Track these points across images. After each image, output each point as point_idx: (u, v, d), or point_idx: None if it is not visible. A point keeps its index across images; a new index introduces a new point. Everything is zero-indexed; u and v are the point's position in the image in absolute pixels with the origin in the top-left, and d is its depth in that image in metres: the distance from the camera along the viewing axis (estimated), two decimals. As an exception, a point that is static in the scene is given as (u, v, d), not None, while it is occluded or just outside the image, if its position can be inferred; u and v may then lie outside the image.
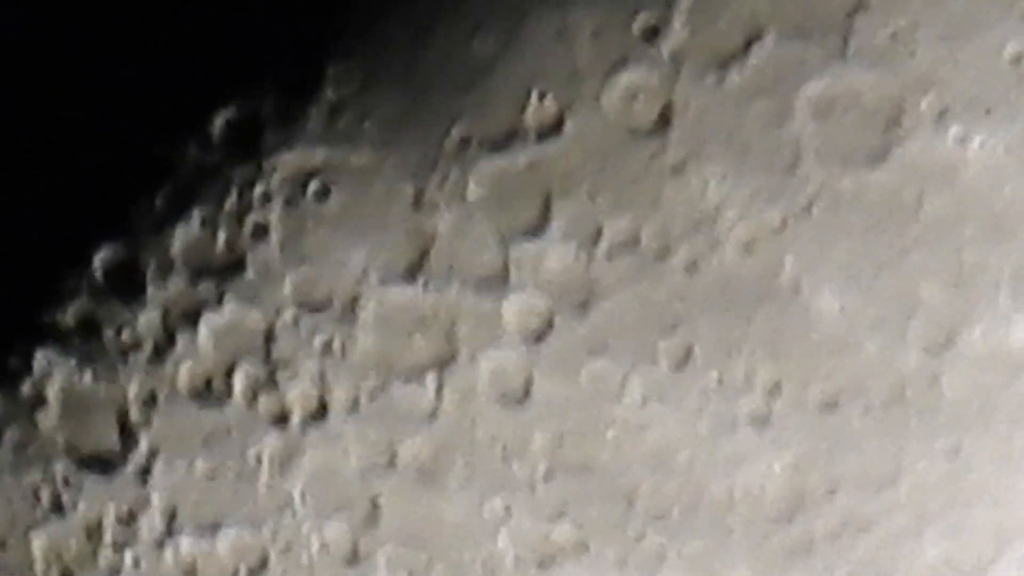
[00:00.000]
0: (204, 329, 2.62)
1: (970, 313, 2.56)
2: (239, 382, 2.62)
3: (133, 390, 2.63)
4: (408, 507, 2.64)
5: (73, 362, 2.63)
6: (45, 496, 2.71)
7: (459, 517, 2.64)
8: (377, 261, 2.60)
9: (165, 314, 2.61)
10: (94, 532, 2.69)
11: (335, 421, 2.63)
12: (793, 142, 2.56)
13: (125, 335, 2.61)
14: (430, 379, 2.60)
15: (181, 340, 2.61)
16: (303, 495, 2.65)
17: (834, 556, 2.60)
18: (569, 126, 2.56)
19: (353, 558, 2.67)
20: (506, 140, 2.56)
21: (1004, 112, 2.54)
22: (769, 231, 2.56)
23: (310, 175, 2.59)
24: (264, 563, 2.69)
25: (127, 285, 2.60)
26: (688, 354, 2.58)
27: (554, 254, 2.58)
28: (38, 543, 2.71)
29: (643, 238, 2.57)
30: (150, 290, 2.60)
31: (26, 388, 2.66)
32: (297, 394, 2.63)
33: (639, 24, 2.53)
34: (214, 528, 2.69)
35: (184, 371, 2.63)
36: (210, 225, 2.60)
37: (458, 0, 2.52)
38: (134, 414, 2.65)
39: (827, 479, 2.59)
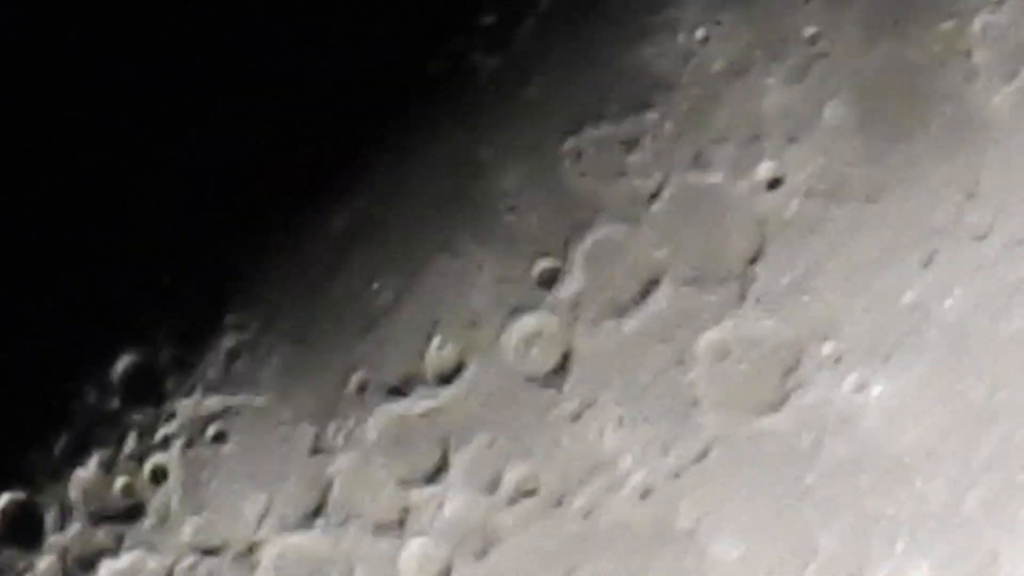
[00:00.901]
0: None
1: (867, 561, 2.55)
2: (134, 631, 2.61)
3: (28, 638, 2.61)
4: None
5: (-33, 610, 2.61)
6: None
7: None
8: (276, 506, 2.59)
9: (63, 560, 2.60)
10: None
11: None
12: (690, 389, 2.56)
13: (21, 582, 2.60)
14: (327, 626, 2.59)
15: (78, 586, 2.60)
16: None
17: None
18: (468, 372, 2.57)
19: None
20: (405, 386, 2.57)
21: (902, 359, 2.55)
22: (666, 477, 2.55)
23: (209, 420, 2.59)
24: None
25: (24, 531, 2.59)
26: (586, 603, 2.57)
27: (452, 500, 2.57)
28: None
29: (541, 484, 2.56)
30: (48, 536, 2.59)
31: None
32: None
33: (537, 271, 2.54)
34: None
35: (80, 619, 2.61)
36: (109, 470, 2.59)
37: (356, 247, 2.54)
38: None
39: None
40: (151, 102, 2.48)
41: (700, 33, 2.55)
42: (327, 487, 2.57)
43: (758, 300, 2.55)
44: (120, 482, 2.57)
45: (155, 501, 2.58)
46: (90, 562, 2.60)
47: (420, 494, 2.57)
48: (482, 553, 2.57)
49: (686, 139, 2.57)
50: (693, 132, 2.57)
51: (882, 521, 2.55)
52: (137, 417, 2.57)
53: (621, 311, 2.55)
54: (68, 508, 2.58)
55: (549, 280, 2.54)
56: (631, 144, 2.56)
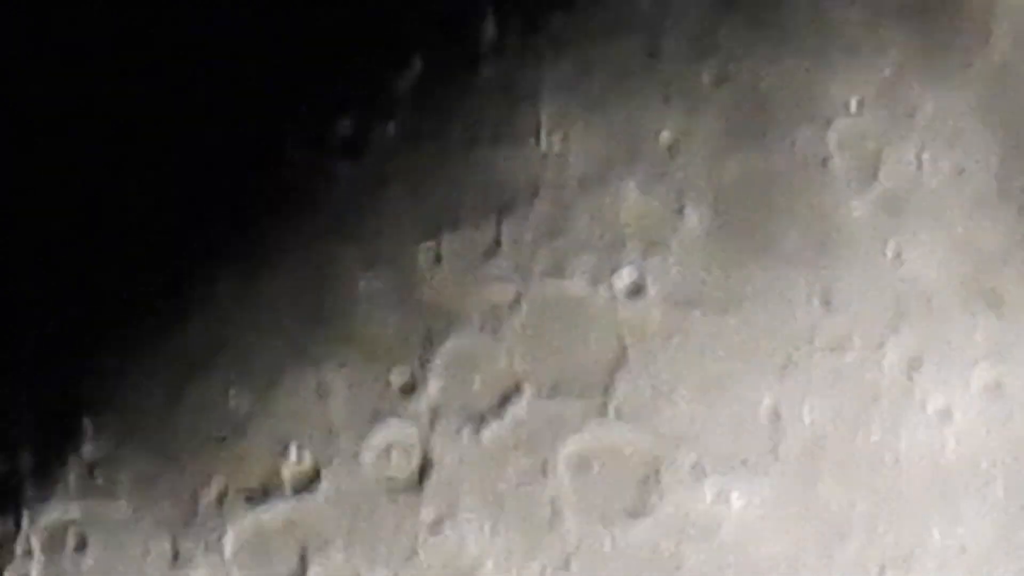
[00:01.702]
0: None
1: (728, 673, 2.53)
2: None
3: None
4: None
5: None
6: None
7: None
8: (134, 616, 2.57)
9: (-83, 672, 2.58)
10: None
11: None
12: (552, 497, 2.55)
13: None
14: None
15: None
16: None
17: None
18: (325, 481, 2.55)
19: None
20: (263, 495, 2.55)
21: (761, 467, 2.54)
22: (526, 588, 2.54)
23: (68, 528, 2.57)
24: None
25: None
26: None
27: (311, 610, 2.55)
28: None
29: (400, 595, 2.55)
30: (-97, 647, 2.58)
31: None
32: None
33: (395, 380, 2.54)
34: None
35: None
36: (-34, 580, 2.58)
37: (212, 357, 2.53)
38: None
39: None
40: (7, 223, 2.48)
41: (558, 139, 2.56)
42: (185, 597, 2.56)
43: (618, 409, 2.55)
44: (-23, 593, 2.56)
45: (13, 612, 2.56)
46: (-54, 674, 2.58)
47: (279, 604, 2.55)
48: (341, 664, 2.55)
49: (544, 246, 2.57)
50: (551, 239, 2.57)
51: (742, 631, 2.54)
52: (-5, 526, 2.56)
53: (480, 420, 2.54)
54: (-75, 619, 2.57)
55: (407, 388, 2.54)
56: (489, 252, 2.56)
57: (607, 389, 2.54)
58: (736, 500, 2.53)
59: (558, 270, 2.55)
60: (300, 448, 2.54)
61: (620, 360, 2.54)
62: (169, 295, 2.51)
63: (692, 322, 2.55)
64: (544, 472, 2.54)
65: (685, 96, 2.55)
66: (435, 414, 2.53)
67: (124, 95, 2.48)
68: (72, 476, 2.55)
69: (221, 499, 2.54)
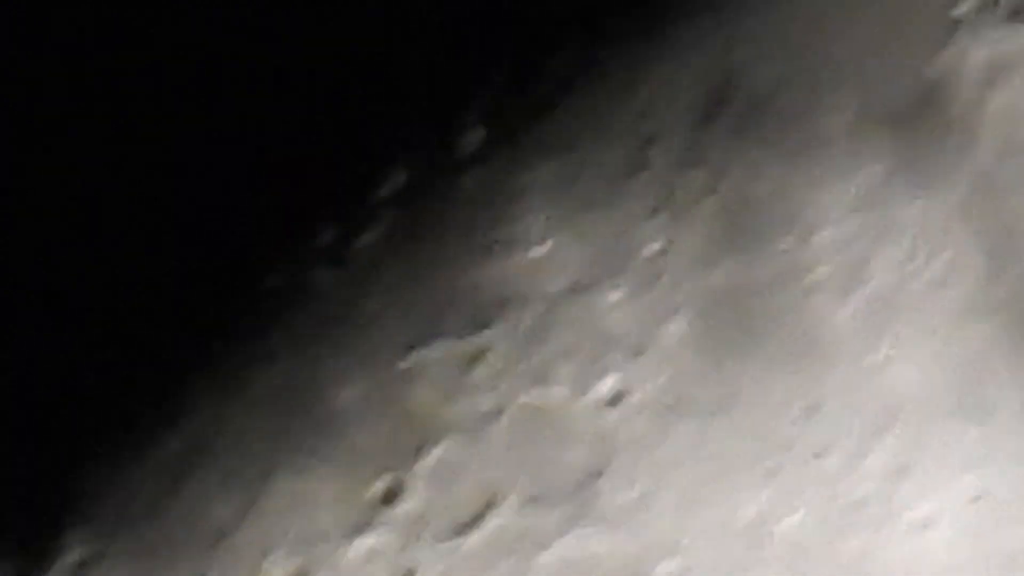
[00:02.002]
0: None
1: None
2: None
3: None
4: None
5: None
6: None
7: None
8: None
9: None
10: None
11: None
12: (534, 604, 2.55)
13: None
14: None
15: None
16: None
17: None
18: (309, 589, 2.55)
19: None
20: (246, 602, 2.55)
21: (744, 575, 2.54)
22: None
23: (51, 635, 2.57)
24: None
25: None
26: None
27: None
28: None
29: None
30: None
31: None
32: None
33: (377, 488, 2.53)
34: None
35: None
36: None
37: (196, 464, 2.53)
38: None
39: None
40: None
41: (542, 249, 2.55)
42: None
43: (600, 517, 2.54)
44: None
45: None
46: None
47: None
48: None
49: (528, 356, 2.56)
50: (535, 348, 2.57)
51: None
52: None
53: (462, 528, 2.54)
54: None
55: (389, 497, 2.54)
56: (472, 361, 2.55)
57: (590, 496, 2.54)
58: (719, 609, 2.53)
59: (541, 379, 2.55)
60: (284, 556, 2.54)
61: (602, 467, 2.53)
62: (153, 402, 2.51)
63: (675, 429, 2.55)
64: (527, 581, 2.54)
65: (671, 206, 2.55)
66: (417, 523, 2.53)
67: (95, 201, 2.48)
68: (55, 582, 2.55)
69: (204, 606, 2.54)
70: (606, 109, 2.56)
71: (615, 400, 2.56)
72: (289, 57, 2.50)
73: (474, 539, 2.55)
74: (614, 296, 2.56)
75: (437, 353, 2.56)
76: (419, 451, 2.55)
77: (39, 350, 2.51)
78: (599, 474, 2.54)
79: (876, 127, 2.57)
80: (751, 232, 2.57)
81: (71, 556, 2.53)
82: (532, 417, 2.57)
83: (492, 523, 2.55)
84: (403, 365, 2.54)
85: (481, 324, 2.56)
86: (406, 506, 2.54)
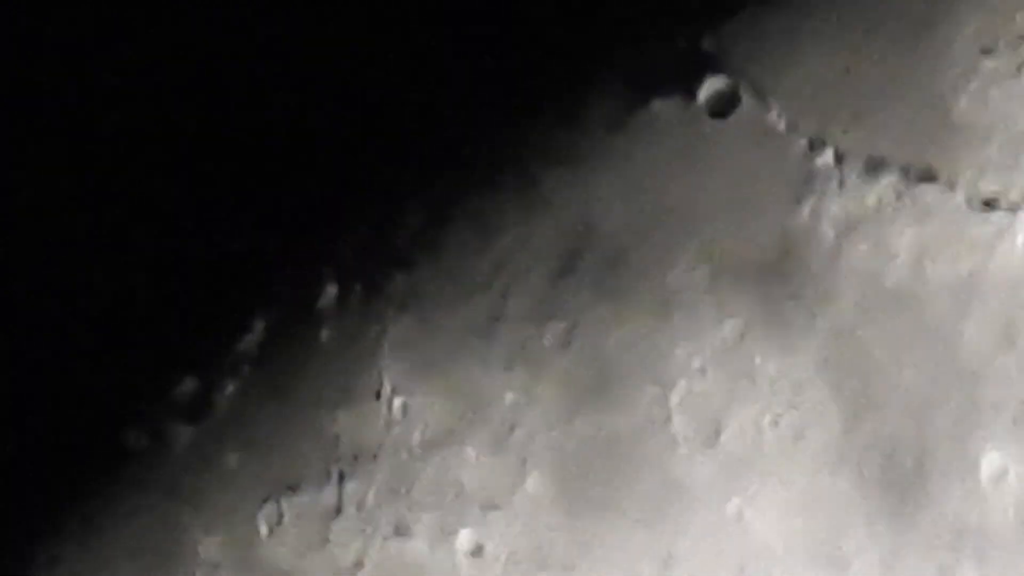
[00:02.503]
0: None
1: None
2: None
3: None
4: None
5: None
6: None
7: None
8: None
9: None
10: None
11: None
12: None
13: None
14: None
15: None
16: None
17: None
18: None
19: None
20: None
21: None
22: None
23: None
24: None
25: None
26: None
27: None
28: None
29: None
30: None
31: None
32: None
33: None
34: None
35: None
36: None
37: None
38: None
39: None
40: None
41: (400, 402, 2.57)
42: None
43: (459, 669, 2.55)
44: None
45: None
46: None
47: None
48: None
49: (387, 508, 2.57)
50: (394, 501, 2.58)
51: None
52: None
53: None
54: None
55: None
56: (331, 513, 2.56)
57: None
58: None
59: (400, 531, 2.56)
60: None
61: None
62: (14, 555, 2.52)
63: (534, 582, 2.56)
64: None
65: (528, 359, 2.56)
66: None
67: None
68: None
69: None
70: (462, 262, 2.57)
71: (474, 553, 2.57)
72: (151, 223, 2.53)
73: None
74: (470, 449, 2.58)
75: (295, 506, 2.57)
76: (277, 604, 2.56)
77: None
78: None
79: (734, 281, 2.59)
80: (607, 385, 2.58)
81: None
82: (392, 569, 2.58)
83: None
84: (262, 516, 2.55)
85: (339, 476, 2.57)
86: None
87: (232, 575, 2.55)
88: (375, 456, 2.57)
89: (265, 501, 2.56)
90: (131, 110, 2.51)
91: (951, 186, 2.61)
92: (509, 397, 2.57)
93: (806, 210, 2.60)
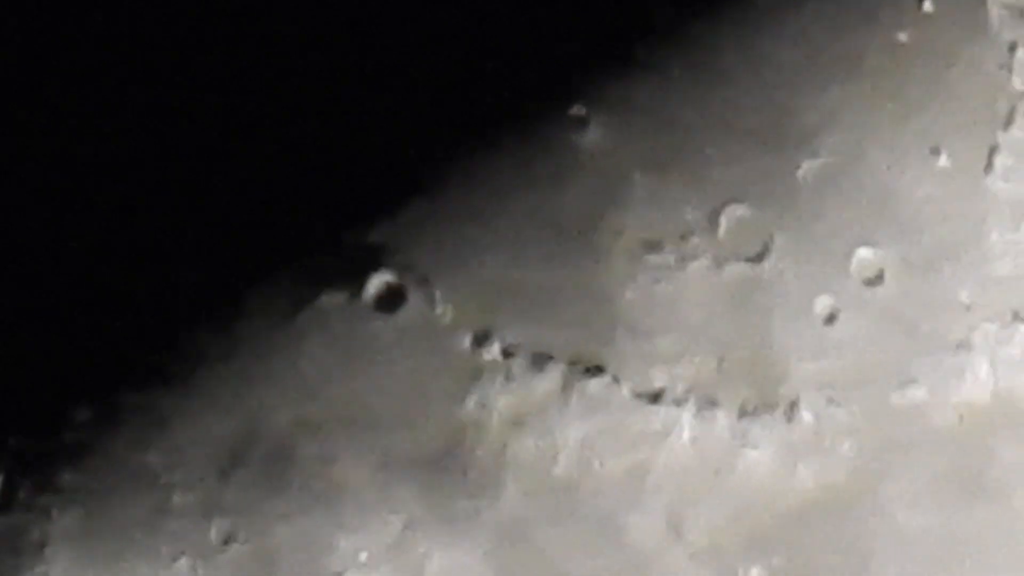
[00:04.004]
0: None
1: None
2: None
3: None
4: None
5: None
6: None
7: None
8: None
9: None
10: None
11: None
12: None
13: None
14: None
15: None
16: None
17: None
18: None
19: None
20: None
21: None
22: None
23: None
24: None
25: None
26: None
27: None
28: None
29: None
30: None
31: None
32: None
33: None
34: None
35: None
36: None
37: None
38: None
39: None
40: None
41: (65, 597, 2.58)
42: None
43: None
44: None
45: None
46: None
47: None
48: None
49: None
50: None
51: None
52: None
53: None
54: None
55: None
56: None
57: None
58: None
59: None
60: None
61: None
62: None
63: None
64: None
65: (194, 552, 2.57)
66: None
67: None
68: None
69: None
70: (129, 457, 2.60)
71: None
72: None
73: None
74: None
75: None
76: None
77: None
78: None
79: (401, 473, 2.61)
80: (278, 575, 2.59)
81: None
82: None
83: None
84: None
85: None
86: None
87: None
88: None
89: None
90: None
91: (617, 380, 2.65)
92: (177, 588, 2.58)
93: (472, 403, 2.63)
